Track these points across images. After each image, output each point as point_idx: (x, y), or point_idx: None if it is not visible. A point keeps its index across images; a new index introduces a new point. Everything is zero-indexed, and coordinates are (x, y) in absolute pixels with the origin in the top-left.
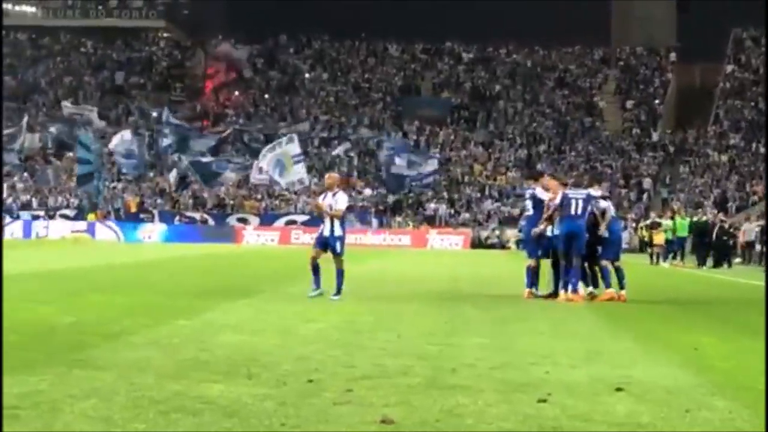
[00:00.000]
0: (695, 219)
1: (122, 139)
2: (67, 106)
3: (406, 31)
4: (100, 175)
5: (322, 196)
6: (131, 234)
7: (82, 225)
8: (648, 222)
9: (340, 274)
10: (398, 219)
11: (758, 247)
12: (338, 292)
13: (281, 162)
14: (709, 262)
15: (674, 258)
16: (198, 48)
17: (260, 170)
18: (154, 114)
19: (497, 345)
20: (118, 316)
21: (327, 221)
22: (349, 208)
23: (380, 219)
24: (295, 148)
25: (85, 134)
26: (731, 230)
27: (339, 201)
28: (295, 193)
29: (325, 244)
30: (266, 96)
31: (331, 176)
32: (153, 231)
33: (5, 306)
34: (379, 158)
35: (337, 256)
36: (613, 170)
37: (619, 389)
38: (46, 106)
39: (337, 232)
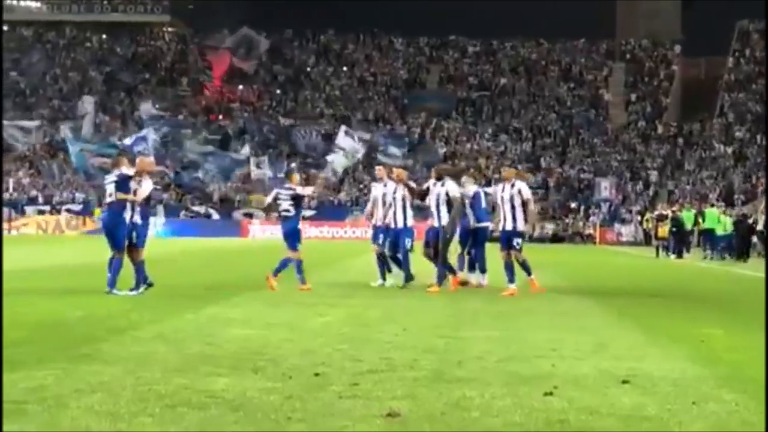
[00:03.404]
0: (731, 215)
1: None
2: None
3: (411, 25)
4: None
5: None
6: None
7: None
8: (654, 215)
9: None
10: None
11: None
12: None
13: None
14: (725, 255)
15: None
16: (203, 42)
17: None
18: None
19: (504, 338)
20: (125, 310)
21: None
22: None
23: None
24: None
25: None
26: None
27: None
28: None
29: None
30: (271, 90)
31: (381, 169)
32: (159, 226)
33: (12, 301)
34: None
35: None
36: (618, 163)
37: (625, 382)
38: (50, 101)
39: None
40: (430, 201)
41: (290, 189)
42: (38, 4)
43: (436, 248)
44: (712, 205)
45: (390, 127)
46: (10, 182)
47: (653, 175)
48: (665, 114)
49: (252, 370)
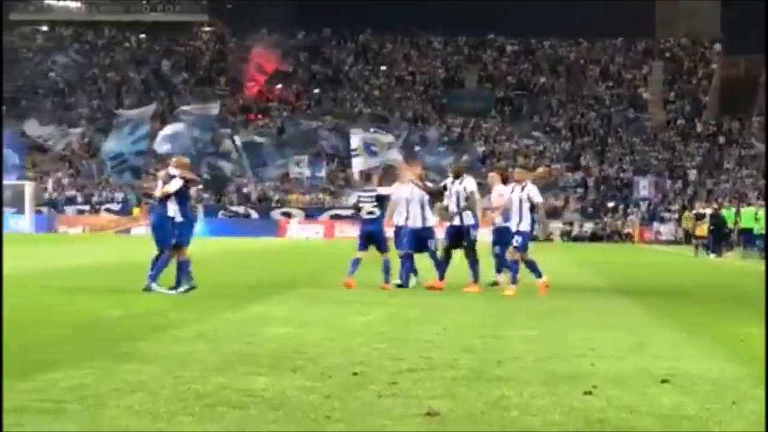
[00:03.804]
0: None
1: (174, 131)
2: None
3: (449, 24)
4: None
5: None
6: None
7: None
8: (692, 213)
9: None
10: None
11: None
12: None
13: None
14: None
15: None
16: (241, 42)
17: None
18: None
19: (543, 337)
20: (165, 309)
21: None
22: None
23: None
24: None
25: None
26: None
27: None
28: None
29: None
30: (310, 90)
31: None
32: (197, 226)
33: (52, 299)
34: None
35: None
36: (657, 162)
37: (665, 381)
38: (90, 101)
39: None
40: (450, 200)
41: (372, 190)
42: (77, 4)
43: (452, 247)
44: (749, 204)
45: (428, 127)
46: (49, 182)
47: (692, 174)
48: (704, 112)
49: (291, 369)
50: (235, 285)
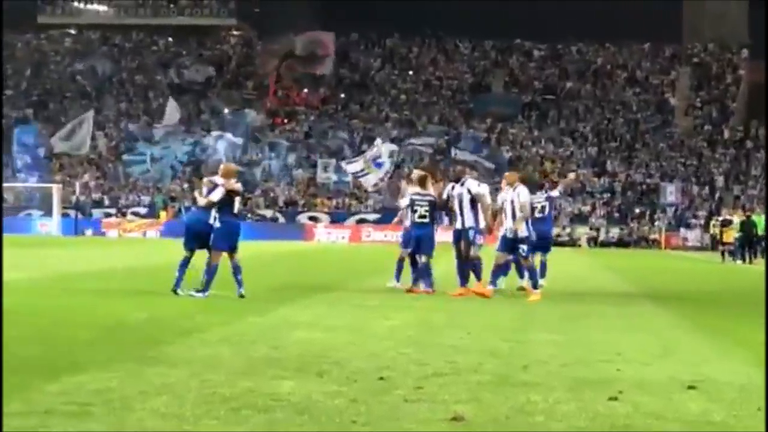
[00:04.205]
0: None
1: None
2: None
3: (476, 29)
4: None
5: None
6: None
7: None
8: (720, 219)
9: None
10: None
11: None
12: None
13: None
14: None
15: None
16: (269, 46)
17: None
18: (227, 112)
19: (569, 342)
20: (191, 313)
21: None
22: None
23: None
24: (378, 151)
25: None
26: None
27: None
28: (378, 192)
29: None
30: (337, 94)
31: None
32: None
33: (80, 302)
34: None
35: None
36: (684, 167)
37: (691, 387)
38: (117, 104)
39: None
40: (453, 203)
41: (427, 194)
42: (105, 8)
43: (459, 250)
44: None
45: (456, 131)
46: (77, 185)
47: (719, 180)
48: (732, 118)
49: (317, 373)
50: (262, 289)
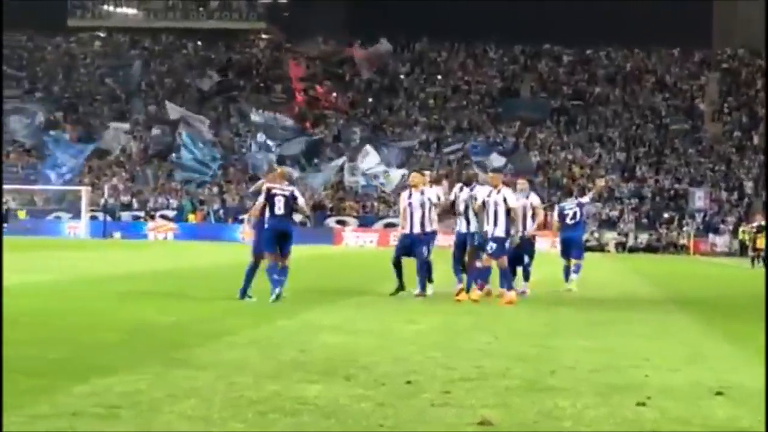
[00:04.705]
0: None
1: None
2: (173, 107)
3: (505, 33)
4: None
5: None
6: (230, 234)
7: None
8: (755, 225)
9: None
10: None
11: None
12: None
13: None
14: None
15: None
16: (298, 50)
17: (353, 172)
18: (253, 116)
19: (596, 347)
20: (218, 316)
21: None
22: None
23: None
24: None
25: (188, 135)
26: None
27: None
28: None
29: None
30: (365, 98)
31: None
32: (251, 232)
33: (109, 305)
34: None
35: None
36: (713, 173)
37: (719, 393)
38: (146, 107)
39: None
40: (459, 207)
41: (577, 198)
42: (135, 11)
43: (462, 254)
44: None
45: (484, 136)
46: (105, 188)
47: (748, 186)
48: (761, 124)
49: (344, 377)
50: (289, 292)
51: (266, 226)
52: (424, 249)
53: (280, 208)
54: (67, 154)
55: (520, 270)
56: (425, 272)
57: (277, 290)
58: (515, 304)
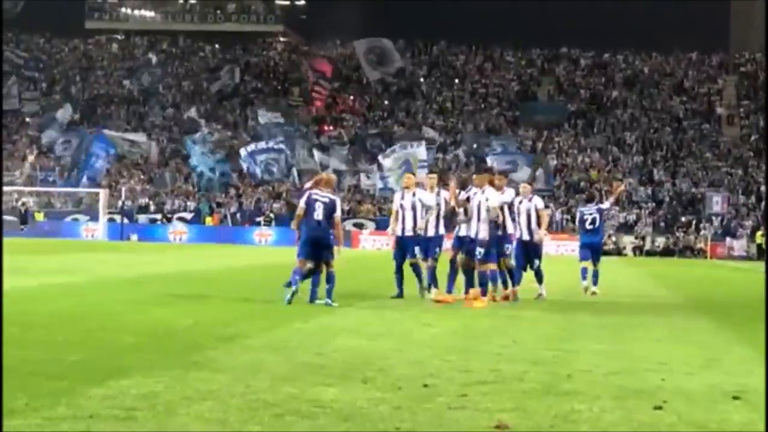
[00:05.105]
0: None
1: (256, 147)
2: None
3: (523, 37)
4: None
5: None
6: (248, 237)
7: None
8: None
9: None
10: None
11: None
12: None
13: (409, 162)
14: None
15: None
16: (315, 52)
17: (368, 176)
18: (271, 118)
19: (613, 351)
20: (235, 319)
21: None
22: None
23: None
24: (422, 152)
25: (192, 144)
26: None
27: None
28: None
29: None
30: (382, 101)
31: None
32: (268, 235)
33: (125, 307)
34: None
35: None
36: (730, 177)
37: (735, 398)
38: (164, 110)
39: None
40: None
41: (597, 204)
42: (152, 14)
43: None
44: None
45: (501, 139)
46: (123, 190)
47: (765, 190)
48: None
49: (361, 380)
50: (306, 294)
51: (303, 231)
52: (416, 250)
53: (318, 215)
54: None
55: (525, 274)
56: (431, 275)
57: (293, 288)
58: (480, 308)
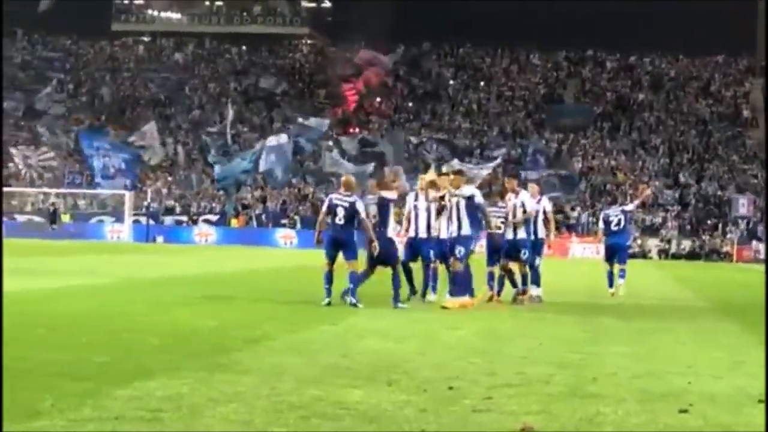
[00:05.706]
0: None
1: (278, 142)
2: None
3: (549, 39)
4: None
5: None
6: (272, 239)
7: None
8: None
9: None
10: None
11: None
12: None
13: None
14: None
15: None
16: (341, 54)
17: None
18: (300, 120)
19: (639, 354)
20: (260, 320)
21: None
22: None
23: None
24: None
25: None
26: None
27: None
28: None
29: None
30: (408, 103)
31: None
32: (292, 237)
33: (150, 309)
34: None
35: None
36: (757, 180)
37: (761, 401)
38: (190, 112)
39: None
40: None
41: (621, 206)
42: (178, 16)
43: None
44: None
45: (528, 142)
46: (148, 192)
47: None
48: None
49: (386, 382)
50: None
51: (328, 233)
52: (431, 253)
53: (340, 219)
54: (116, 158)
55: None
56: (433, 277)
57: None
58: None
